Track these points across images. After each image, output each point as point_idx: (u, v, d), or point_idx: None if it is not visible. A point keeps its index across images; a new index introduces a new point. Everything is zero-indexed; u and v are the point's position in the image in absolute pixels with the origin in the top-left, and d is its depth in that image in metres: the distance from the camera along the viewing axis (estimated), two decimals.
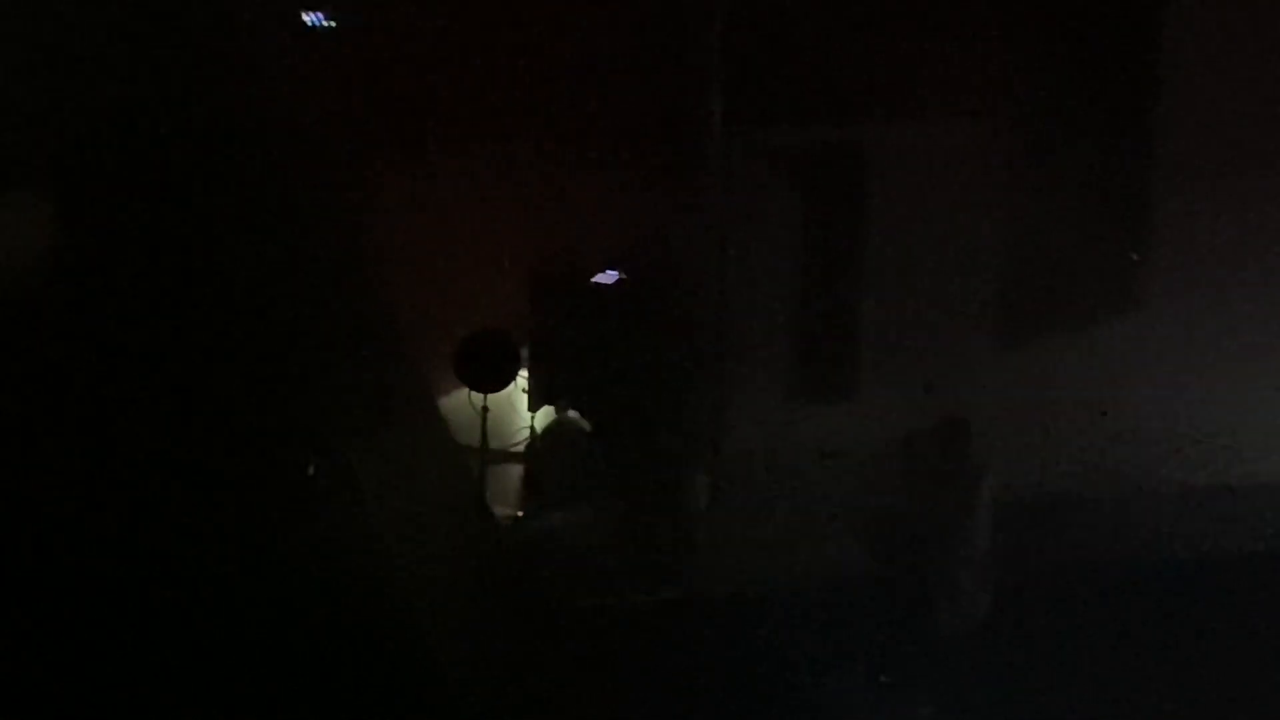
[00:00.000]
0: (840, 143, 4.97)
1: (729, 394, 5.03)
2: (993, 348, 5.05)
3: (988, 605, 4.82)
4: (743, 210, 4.97)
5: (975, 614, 4.83)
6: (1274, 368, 5.06)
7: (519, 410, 5.11)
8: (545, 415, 5.11)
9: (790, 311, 5.04)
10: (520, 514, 5.11)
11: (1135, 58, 5.01)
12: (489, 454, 5.15)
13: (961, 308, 5.00)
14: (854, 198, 4.99)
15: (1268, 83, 5.01)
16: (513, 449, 5.16)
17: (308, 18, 4.89)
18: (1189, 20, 4.99)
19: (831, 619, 4.82)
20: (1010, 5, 4.94)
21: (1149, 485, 5.04)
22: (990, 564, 4.84)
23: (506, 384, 5.12)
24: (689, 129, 4.95)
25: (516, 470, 5.14)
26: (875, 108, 4.94)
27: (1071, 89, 5.00)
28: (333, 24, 4.89)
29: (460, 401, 5.09)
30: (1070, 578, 4.83)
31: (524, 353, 5.09)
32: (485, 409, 5.08)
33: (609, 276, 5.02)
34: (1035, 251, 5.02)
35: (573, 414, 5.13)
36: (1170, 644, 4.73)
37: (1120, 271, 5.07)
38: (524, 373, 5.11)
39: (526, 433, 5.12)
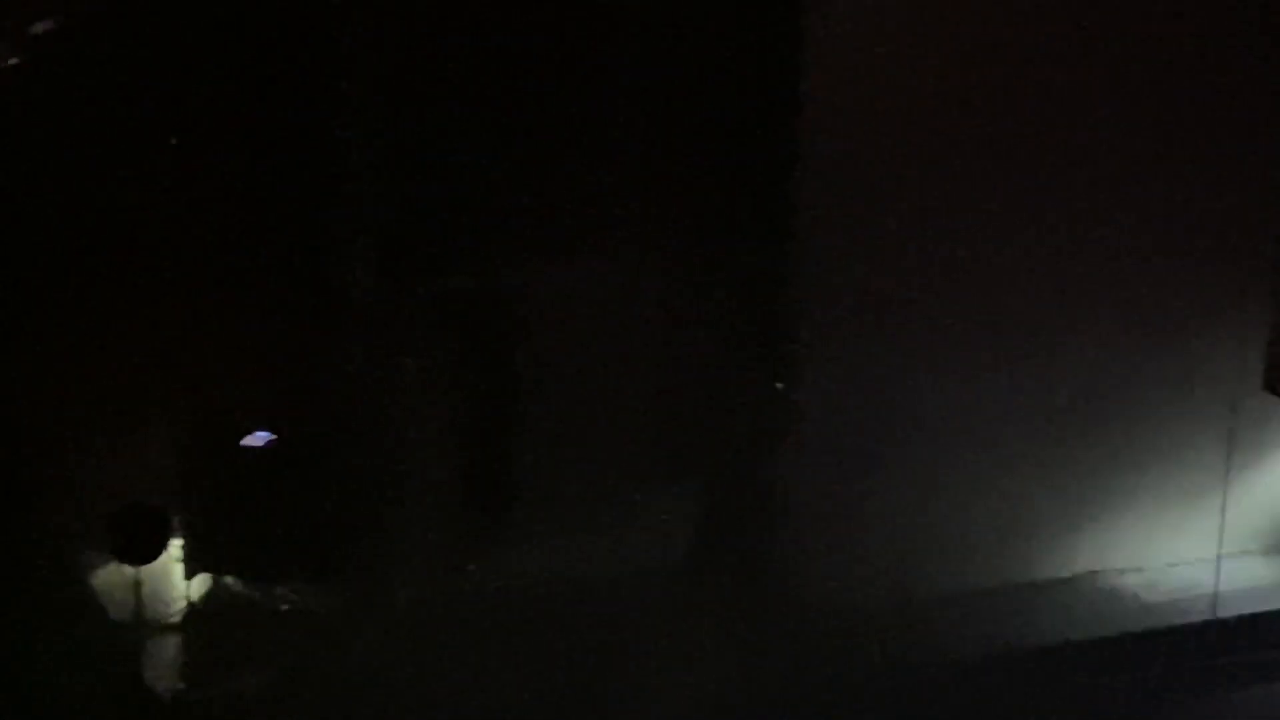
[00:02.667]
0: (493, 290, 4.94)
1: (396, 545, 4.97)
2: (653, 486, 5.08)
3: None
4: (398, 361, 4.91)
5: None
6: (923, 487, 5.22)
7: (173, 580, 4.96)
8: (202, 583, 4.97)
9: (454, 457, 5.00)
10: (182, 686, 4.96)
11: (773, 197, 5.09)
12: (145, 627, 5.00)
13: (622, 447, 5.03)
14: (510, 344, 4.98)
15: (899, 227, 5.13)
16: (170, 620, 5.01)
17: None
18: (821, 164, 5.09)
19: None
20: (645, 153, 4.98)
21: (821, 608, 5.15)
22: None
23: (159, 554, 4.97)
24: (337, 283, 4.88)
25: (175, 641, 4.99)
26: (525, 254, 4.93)
27: (713, 227, 5.06)
28: None
29: (111, 574, 4.92)
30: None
31: (176, 521, 4.96)
32: (137, 582, 4.93)
33: (260, 438, 4.90)
34: (690, 386, 5.07)
35: (230, 580, 5.00)
36: None
37: (770, 401, 5.15)
38: (178, 541, 4.97)
39: (184, 602, 4.97)
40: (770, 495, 5.13)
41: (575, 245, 5.02)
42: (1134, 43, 5.19)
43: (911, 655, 5.12)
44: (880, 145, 5.10)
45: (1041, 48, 5.14)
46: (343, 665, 4.85)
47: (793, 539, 5.11)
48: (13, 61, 4.60)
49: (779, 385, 5.18)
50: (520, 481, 5.06)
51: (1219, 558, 5.40)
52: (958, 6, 5.09)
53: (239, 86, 4.75)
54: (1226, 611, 5.33)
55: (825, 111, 5.08)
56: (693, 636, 4.94)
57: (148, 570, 4.85)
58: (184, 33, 4.71)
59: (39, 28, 4.63)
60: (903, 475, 5.18)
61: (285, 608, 4.94)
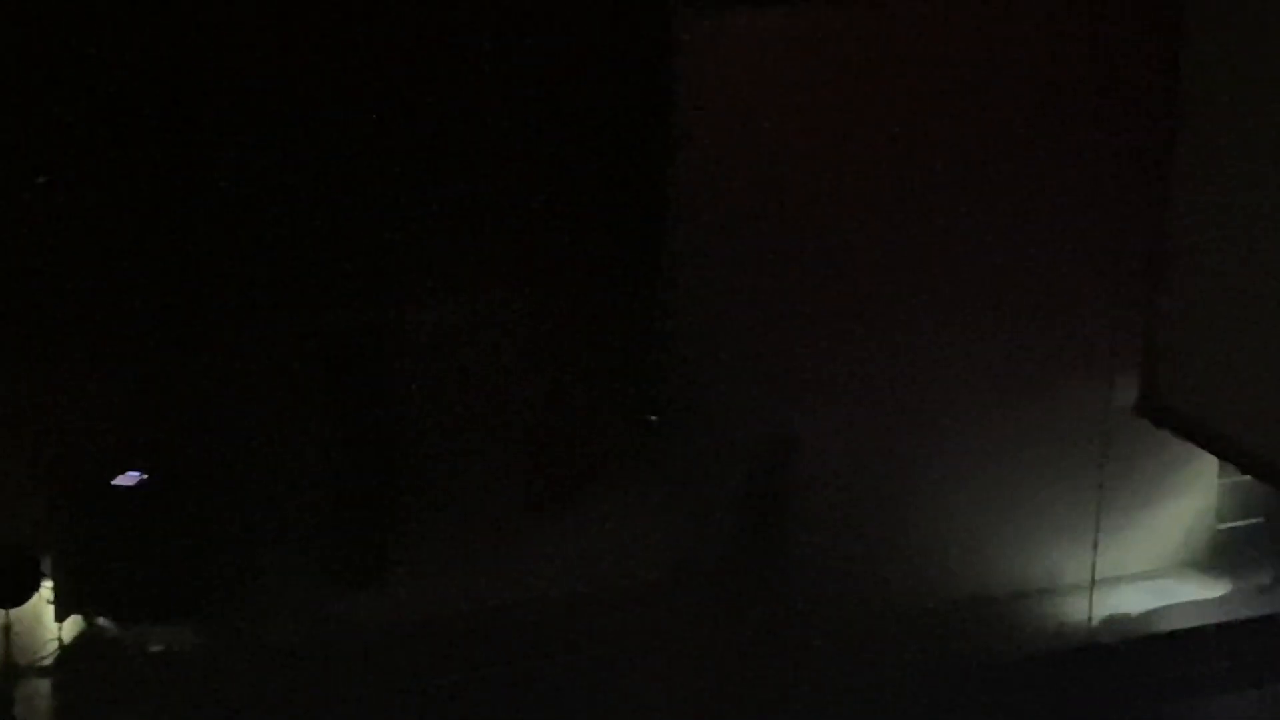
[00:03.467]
0: (366, 328, 4.94)
1: (264, 586, 4.93)
2: (527, 519, 5.08)
3: None
4: (269, 399, 4.90)
5: None
6: None
7: (45, 623, 4.91)
8: (74, 625, 4.93)
9: (317, 496, 4.98)
10: None
11: (645, 235, 5.11)
12: (15, 671, 4.94)
13: (498, 481, 5.03)
14: (384, 382, 4.97)
15: (771, 277, 5.14)
16: (41, 664, 4.96)
17: None
18: (690, 203, 5.11)
19: None
20: (518, 194, 5.00)
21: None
22: None
23: (28, 598, 4.93)
24: (209, 324, 4.86)
25: (46, 686, 4.94)
26: (401, 292, 4.94)
27: (588, 265, 5.08)
28: None
29: None
30: None
31: (47, 562, 4.92)
32: (7, 626, 4.88)
33: (130, 478, 4.87)
34: (562, 421, 5.08)
35: (103, 621, 4.96)
36: None
37: (640, 433, 5.16)
38: (48, 582, 4.93)
39: (55, 645, 4.92)
40: (629, 529, 5.14)
41: (450, 283, 5.02)
42: (993, 92, 5.25)
43: (788, 681, 5.13)
44: (755, 185, 5.13)
45: (899, 89, 5.19)
46: (217, 706, 4.82)
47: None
48: None
49: (652, 418, 5.19)
50: (397, 517, 5.05)
51: (1092, 584, 5.43)
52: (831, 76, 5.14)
53: (105, 130, 4.74)
54: (1102, 638, 5.36)
55: (695, 153, 5.11)
56: (583, 668, 4.94)
57: (17, 613, 4.81)
58: (61, 72, 4.70)
59: None
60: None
61: (157, 649, 4.91)
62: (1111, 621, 5.39)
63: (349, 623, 5.03)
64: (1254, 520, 5.53)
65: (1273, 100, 4.99)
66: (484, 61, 4.99)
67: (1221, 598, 5.45)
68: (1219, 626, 5.37)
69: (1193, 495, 5.55)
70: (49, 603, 4.88)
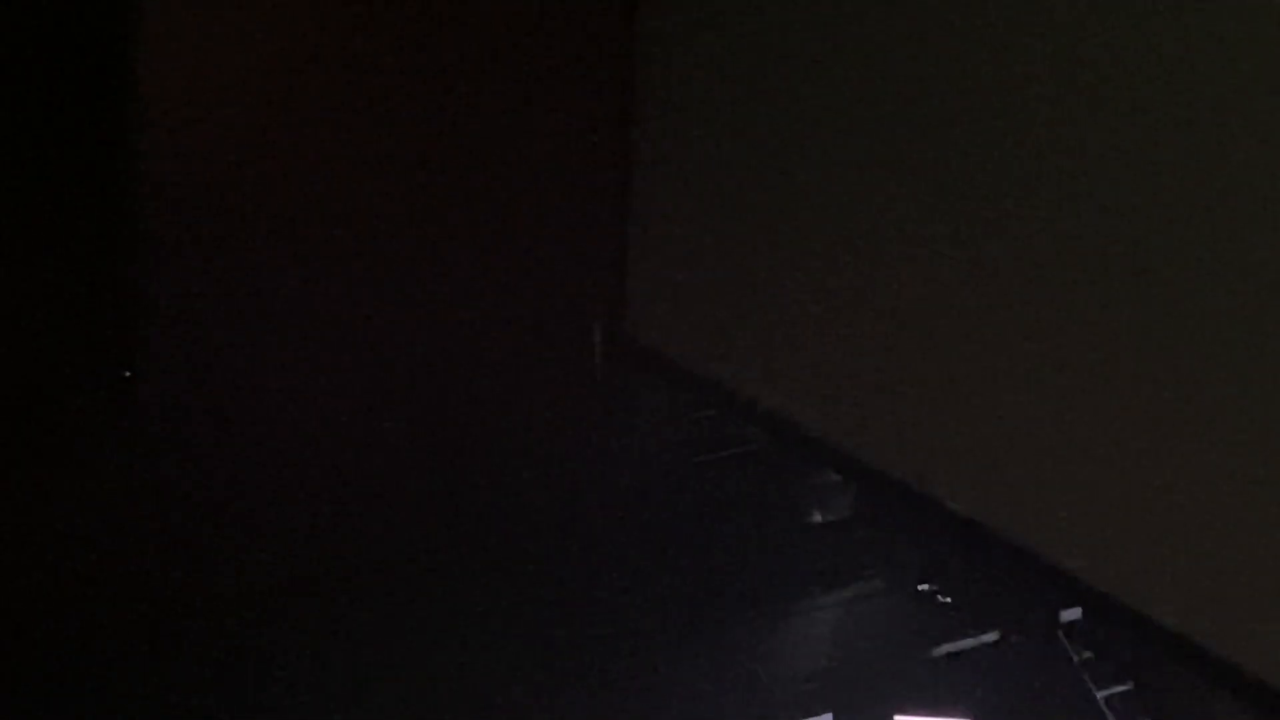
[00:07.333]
0: None
1: None
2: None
3: None
4: None
5: None
6: None
7: None
8: None
9: None
10: None
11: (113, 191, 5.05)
12: None
13: None
14: None
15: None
16: None
17: None
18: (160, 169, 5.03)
19: None
20: None
21: None
22: None
23: None
24: None
25: None
26: None
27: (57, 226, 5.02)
28: None
29: None
30: None
31: None
32: None
33: None
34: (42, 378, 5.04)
35: None
36: None
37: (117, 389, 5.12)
38: None
39: None
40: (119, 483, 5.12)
41: None
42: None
43: None
44: (212, 169, 5.06)
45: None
46: None
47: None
48: None
49: (126, 374, 5.17)
50: None
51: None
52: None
53: None
54: None
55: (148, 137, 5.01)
56: None
57: None
58: None
59: None
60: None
61: None
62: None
63: None
64: (728, 452, 5.70)
65: (728, 20, 5.03)
66: None
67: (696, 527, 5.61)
68: (700, 555, 5.54)
69: (668, 430, 5.70)
70: None
